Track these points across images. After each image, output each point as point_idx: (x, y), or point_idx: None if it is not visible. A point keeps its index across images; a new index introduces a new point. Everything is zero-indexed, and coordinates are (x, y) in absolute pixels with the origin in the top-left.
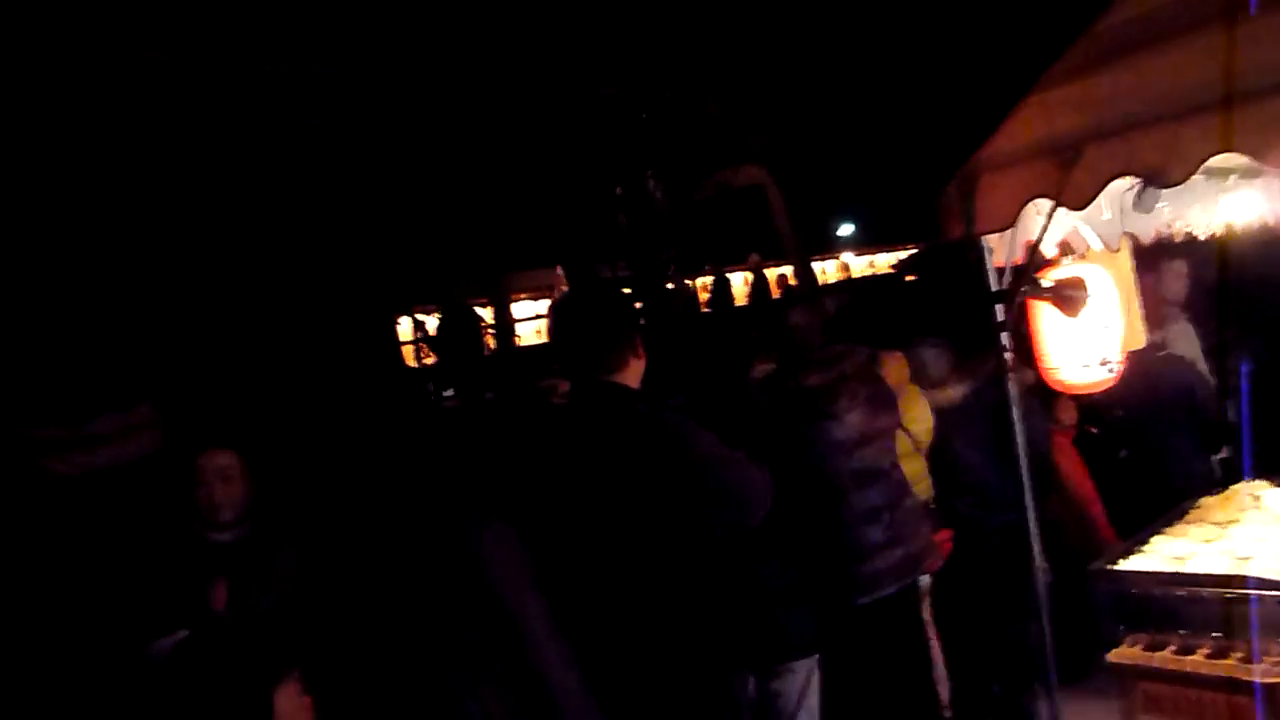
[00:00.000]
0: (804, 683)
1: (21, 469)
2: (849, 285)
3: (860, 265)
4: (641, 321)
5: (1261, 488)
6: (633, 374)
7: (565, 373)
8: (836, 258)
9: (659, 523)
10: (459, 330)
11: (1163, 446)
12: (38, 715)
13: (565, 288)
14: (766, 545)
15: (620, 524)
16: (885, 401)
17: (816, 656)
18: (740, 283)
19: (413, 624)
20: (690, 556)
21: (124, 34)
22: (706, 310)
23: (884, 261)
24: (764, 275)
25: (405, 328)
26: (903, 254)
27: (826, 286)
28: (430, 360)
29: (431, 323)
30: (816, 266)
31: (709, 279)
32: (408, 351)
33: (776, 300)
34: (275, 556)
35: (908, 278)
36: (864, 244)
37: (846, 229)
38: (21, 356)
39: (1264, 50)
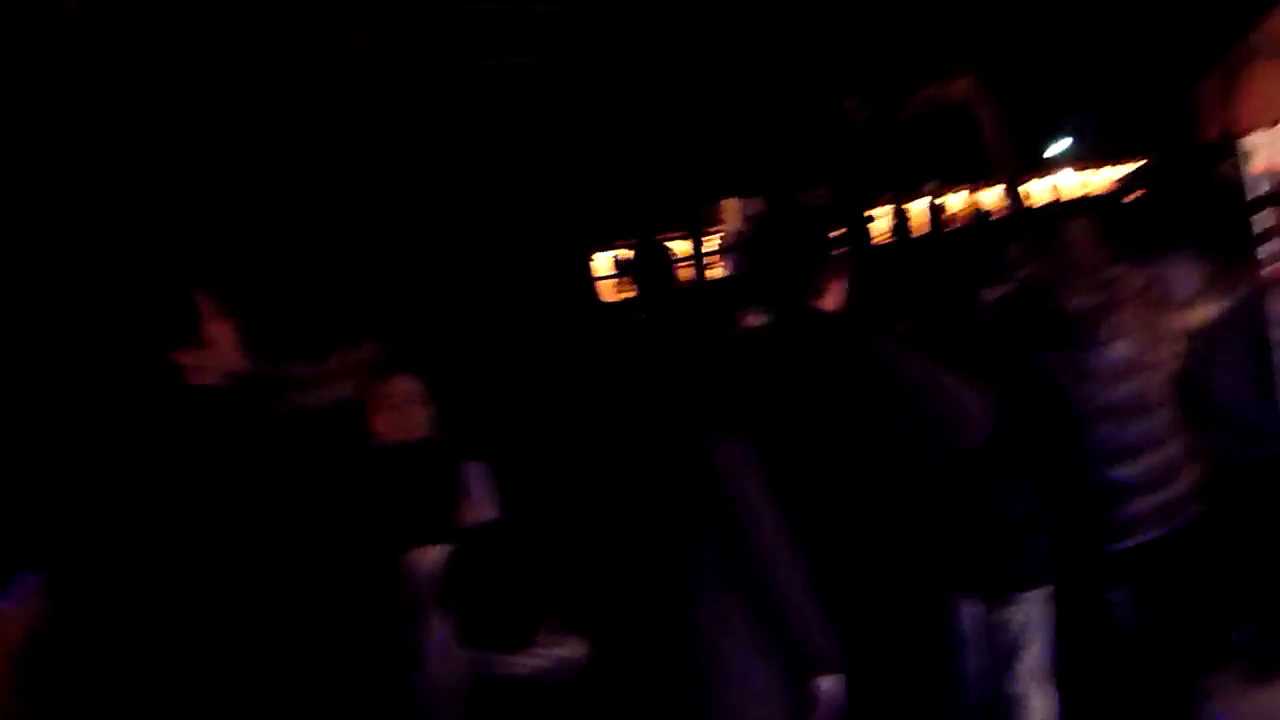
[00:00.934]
0: (1035, 615)
1: (273, 403)
2: (1062, 208)
3: (1073, 184)
4: (845, 248)
5: None
6: (834, 298)
7: (764, 301)
8: (1052, 174)
9: (869, 446)
10: (650, 265)
11: None
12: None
13: (738, 219)
14: (1006, 471)
15: (831, 448)
16: (1166, 332)
17: (1050, 589)
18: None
19: (648, 530)
20: (903, 479)
21: None
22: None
23: (1100, 181)
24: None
25: (604, 263)
26: (1124, 169)
27: (1036, 209)
28: (629, 294)
29: (629, 255)
30: (1022, 190)
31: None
32: (607, 287)
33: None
34: (465, 472)
35: (1128, 198)
36: (1080, 162)
37: (1062, 145)
38: (271, 300)
39: None
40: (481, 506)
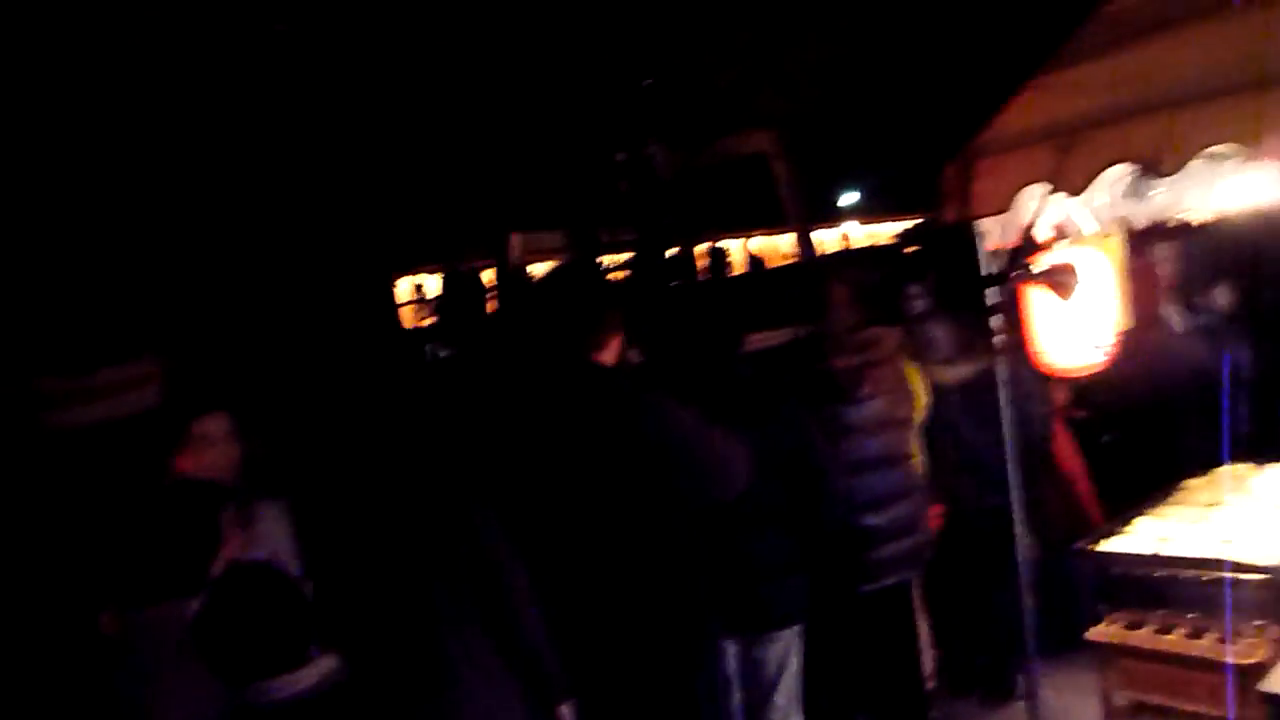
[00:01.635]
0: (785, 652)
1: (21, 421)
2: (851, 256)
3: (861, 236)
4: (639, 290)
5: (1247, 471)
6: (612, 351)
7: (545, 350)
8: (839, 226)
9: (635, 497)
10: (459, 293)
11: (1165, 425)
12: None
13: (517, 255)
14: (759, 519)
15: (597, 498)
16: (908, 391)
17: (799, 628)
18: (739, 250)
19: (413, 567)
20: (667, 529)
21: None
22: (704, 279)
23: (886, 233)
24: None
25: (405, 289)
26: (906, 224)
27: (825, 257)
28: (428, 321)
29: (431, 284)
30: (816, 236)
31: (706, 247)
32: (406, 313)
33: (816, 271)
34: (259, 511)
35: (907, 250)
36: (868, 214)
37: (850, 198)
38: (22, 307)
39: (1262, 42)
40: (250, 545)
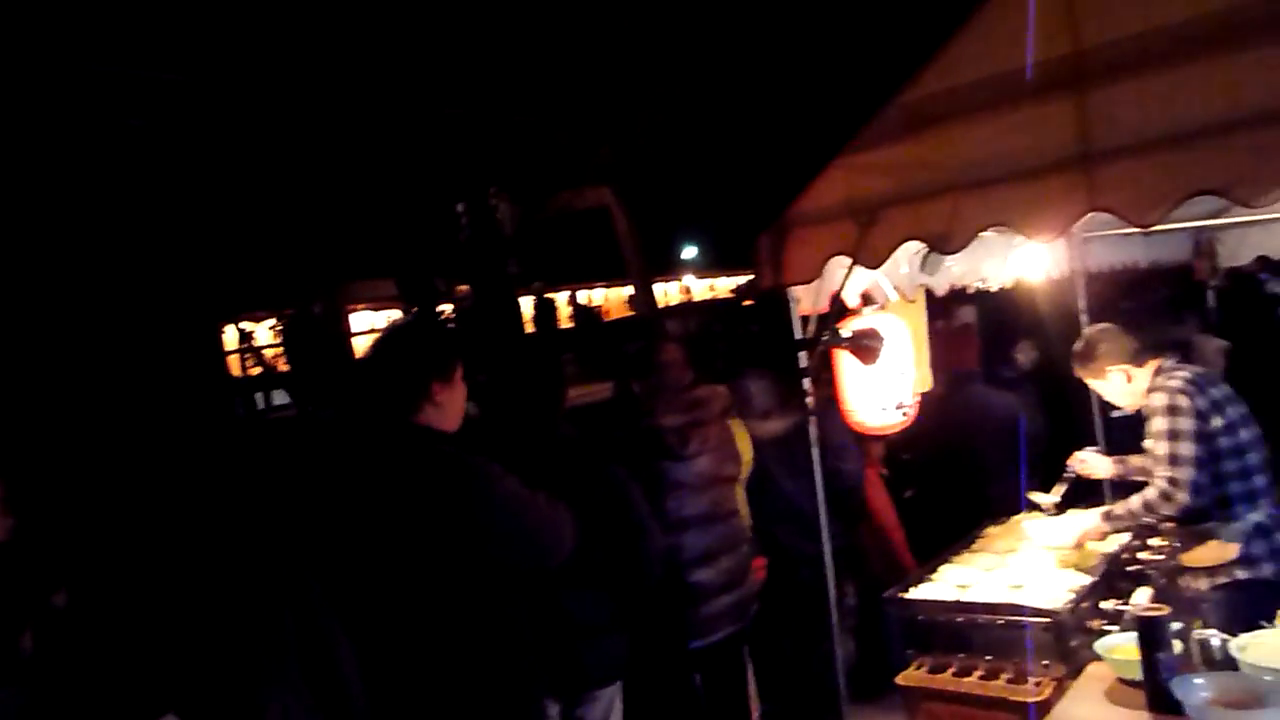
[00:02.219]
0: (607, 710)
1: None
2: (690, 309)
3: (701, 288)
4: (474, 341)
5: (1030, 517)
6: (443, 412)
7: (375, 408)
8: (679, 280)
9: (458, 561)
10: (307, 338)
11: (982, 475)
12: None
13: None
14: (577, 578)
15: (420, 564)
16: (733, 449)
17: (619, 684)
18: (564, 303)
19: (229, 636)
20: (489, 591)
21: None
22: (530, 331)
23: (725, 286)
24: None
25: (231, 336)
26: (743, 279)
27: (669, 309)
28: (256, 370)
29: (260, 332)
30: (658, 289)
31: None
32: (232, 361)
33: (644, 326)
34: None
35: (745, 303)
36: (707, 267)
37: (690, 252)
38: None
39: (1032, 136)
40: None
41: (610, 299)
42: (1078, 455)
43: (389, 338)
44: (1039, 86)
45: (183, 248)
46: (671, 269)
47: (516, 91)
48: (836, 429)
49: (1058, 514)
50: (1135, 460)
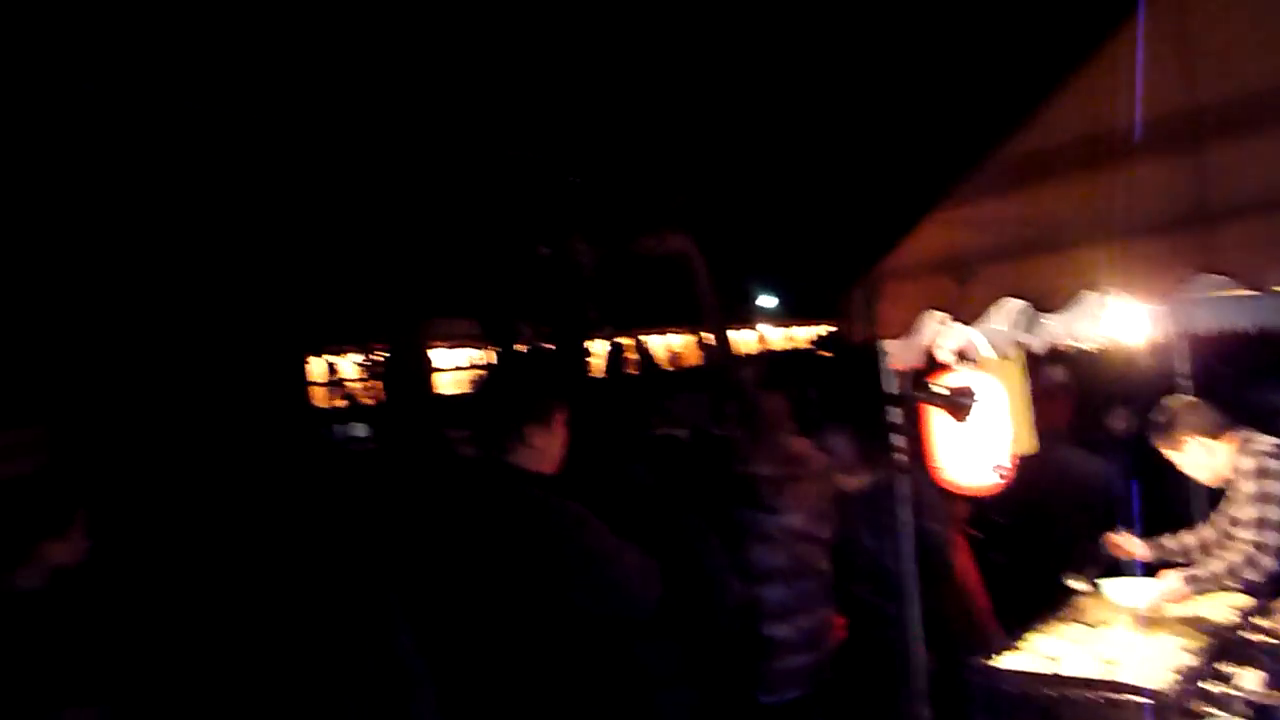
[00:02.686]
0: None
1: None
2: (766, 359)
3: (778, 337)
4: (560, 383)
5: (1132, 589)
6: (539, 455)
7: (471, 448)
8: (754, 328)
9: (540, 605)
10: (404, 370)
11: (1057, 542)
12: None
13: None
14: (648, 627)
15: (503, 602)
16: (827, 512)
17: None
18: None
19: (312, 676)
20: (570, 640)
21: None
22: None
23: (802, 336)
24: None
25: (319, 369)
26: (820, 330)
27: (746, 358)
28: (341, 403)
29: (344, 365)
30: (734, 336)
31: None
32: (317, 393)
33: (719, 374)
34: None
35: (821, 353)
36: (784, 317)
37: (767, 301)
38: None
39: (1141, 194)
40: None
41: (685, 346)
42: (1112, 536)
43: (491, 377)
44: (1148, 143)
45: (277, 281)
46: (748, 317)
47: (600, 138)
48: (923, 487)
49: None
50: (1170, 543)
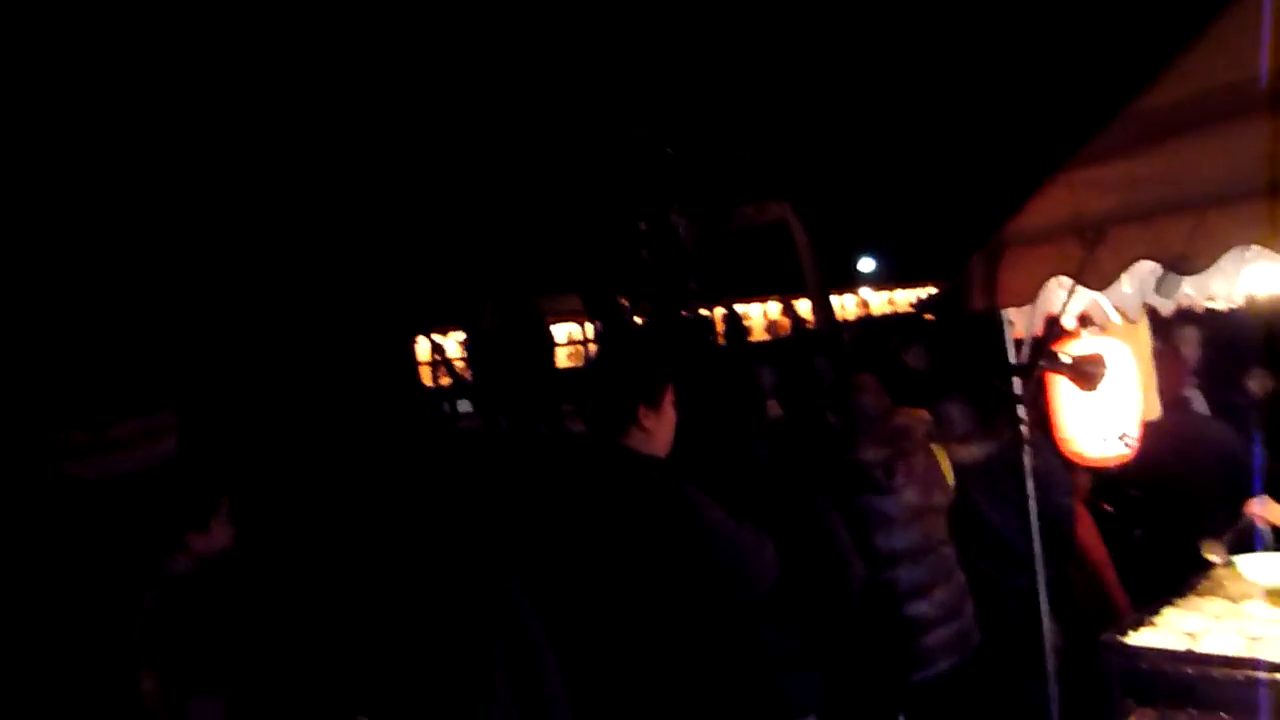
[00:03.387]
0: None
1: (40, 469)
2: (868, 324)
3: (879, 302)
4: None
5: (1246, 555)
6: (651, 438)
7: (587, 428)
8: (855, 293)
9: (661, 589)
10: (484, 352)
11: (1195, 512)
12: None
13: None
14: (771, 608)
15: (624, 586)
16: (940, 477)
17: (813, 717)
18: (759, 315)
19: (433, 652)
20: (691, 620)
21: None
22: (721, 344)
23: (904, 299)
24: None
25: (424, 348)
26: (922, 292)
27: (846, 323)
28: (446, 381)
29: (449, 344)
30: (835, 301)
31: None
32: (424, 371)
33: (823, 341)
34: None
35: (926, 316)
36: (884, 281)
37: (867, 265)
38: (44, 356)
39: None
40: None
41: (786, 314)
42: (1254, 501)
43: (600, 359)
44: None
45: (386, 262)
46: (849, 282)
47: (697, 110)
48: (1045, 458)
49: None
50: None
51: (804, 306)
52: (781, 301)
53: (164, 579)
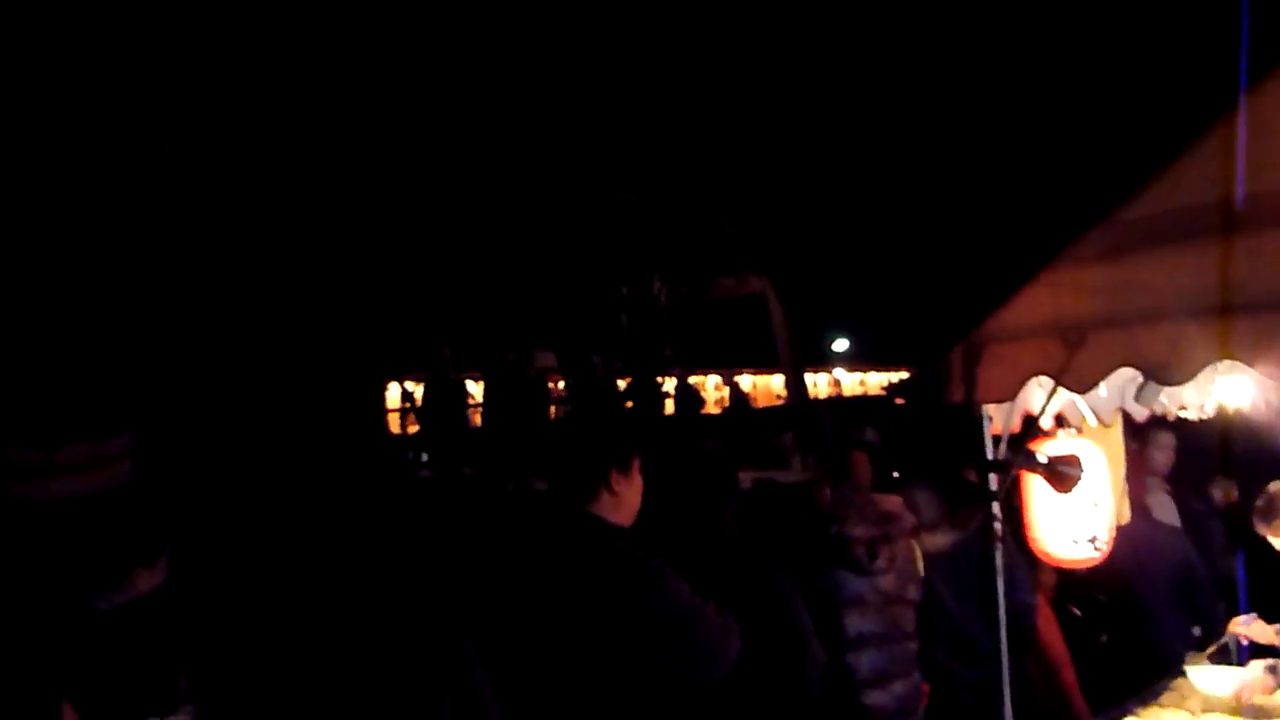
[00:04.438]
0: None
1: None
2: (839, 404)
3: (851, 382)
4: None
5: (1194, 664)
6: (619, 504)
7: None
8: (829, 372)
9: (618, 663)
10: (444, 402)
11: (1149, 620)
12: None
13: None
14: (731, 689)
15: (579, 657)
16: (916, 571)
17: None
18: (712, 388)
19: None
20: (646, 698)
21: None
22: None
23: (876, 381)
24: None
25: (394, 395)
26: (894, 375)
27: (818, 401)
28: (414, 429)
29: (421, 393)
30: (808, 379)
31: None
32: (393, 419)
33: (794, 416)
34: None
35: (897, 400)
36: (858, 361)
37: (841, 344)
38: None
39: (1265, 264)
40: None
41: (758, 387)
42: (1239, 620)
43: (573, 418)
44: (1267, 214)
45: (363, 302)
46: (822, 361)
47: (683, 178)
48: (1009, 553)
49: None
50: None
51: (776, 381)
52: (760, 374)
53: (90, 613)
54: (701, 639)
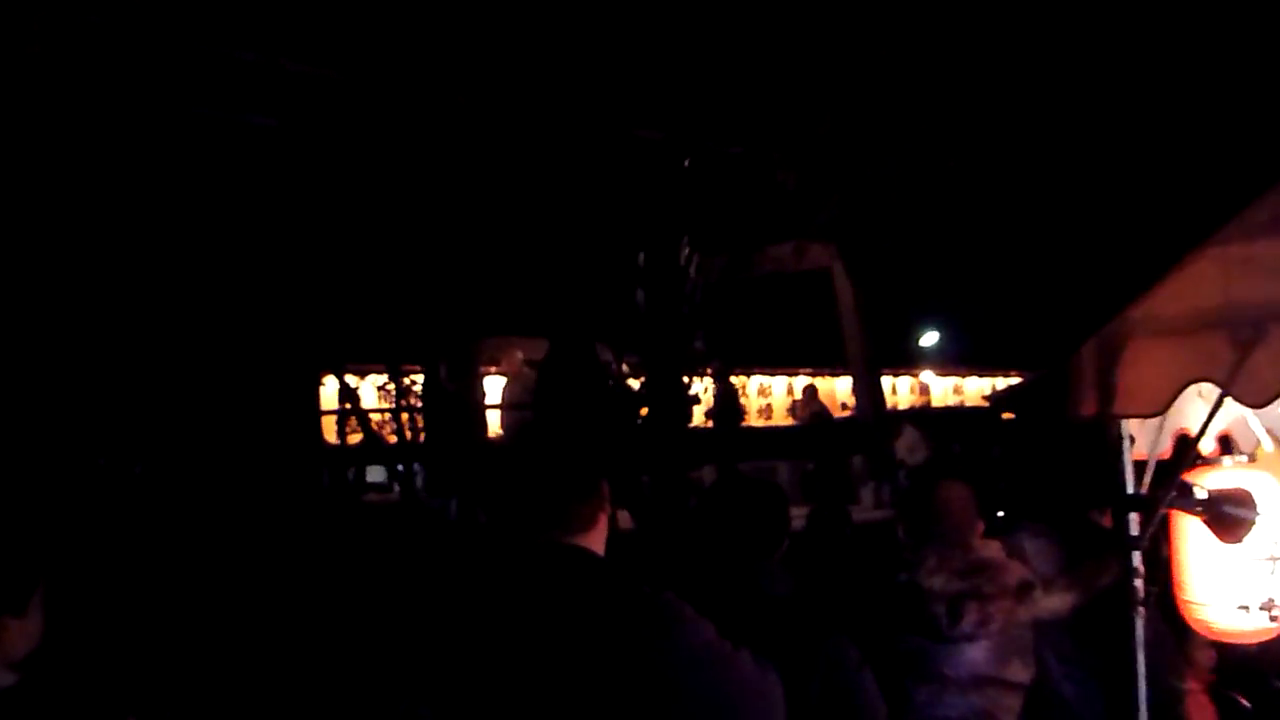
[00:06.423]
0: None
1: None
2: (926, 417)
3: (943, 389)
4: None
5: None
6: (600, 533)
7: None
8: (914, 375)
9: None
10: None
11: None
12: None
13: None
14: None
15: (578, 714)
16: (1026, 646)
17: None
18: (783, 392)
19: None
20: None
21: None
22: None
23: (975, 389)
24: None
25: (330, 392)
26: (1001, 381)
27: (897, 413)
28: (357, 438)
29: (366, 390)
30: (886, 383)
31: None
32: (329, 423)
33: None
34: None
35: (1004, 415)
36: (950, 362)
37: (931, 339)
38: None
39: None
40: None
41: (821, 392)
42: None
43: (533, 435)
44: None
45: (294, 274)
46: (905, 361)
47: (725, 113)
48: (1154, 623)
49: None
50: None
51: (842, 386)
52: (822, 376)
53: None
54: (732, 692)
